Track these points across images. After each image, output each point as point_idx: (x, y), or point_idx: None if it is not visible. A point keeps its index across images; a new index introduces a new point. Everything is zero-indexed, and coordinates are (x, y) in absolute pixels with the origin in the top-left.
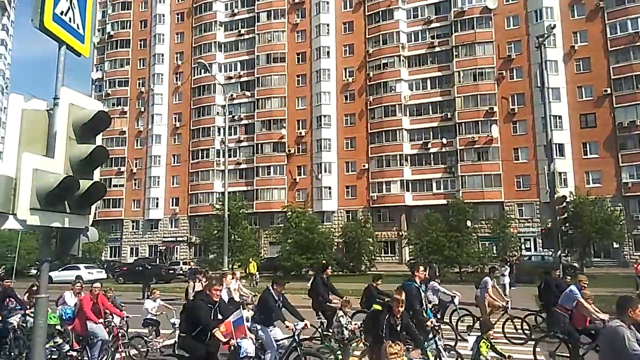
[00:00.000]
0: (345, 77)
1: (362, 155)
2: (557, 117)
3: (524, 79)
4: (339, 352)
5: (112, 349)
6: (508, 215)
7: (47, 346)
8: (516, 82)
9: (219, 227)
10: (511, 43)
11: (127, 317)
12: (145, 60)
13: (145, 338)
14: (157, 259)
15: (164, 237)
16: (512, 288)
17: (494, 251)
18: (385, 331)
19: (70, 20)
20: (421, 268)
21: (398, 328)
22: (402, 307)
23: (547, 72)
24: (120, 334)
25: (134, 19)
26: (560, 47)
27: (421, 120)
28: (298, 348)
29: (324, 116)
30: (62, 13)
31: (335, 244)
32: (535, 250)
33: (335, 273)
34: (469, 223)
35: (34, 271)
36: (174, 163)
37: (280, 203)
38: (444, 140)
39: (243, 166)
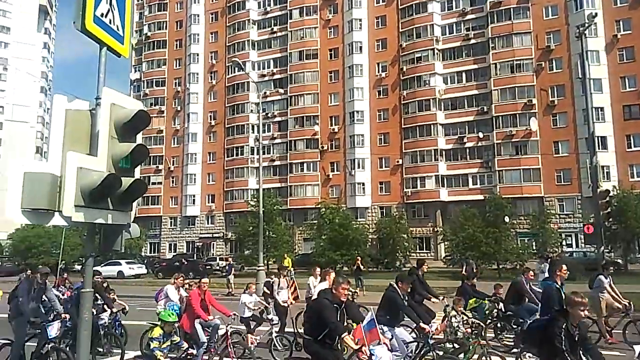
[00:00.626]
0: (378, 72)
1: (396, 150)
2: (599, 109)
3: (563, 70)
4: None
5: (222, 348)
6: (548, 211)
7: (164, 345)
8: (556, 73)
9: (253, 224)
10: (550, 33)
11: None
12: (181, 60)
13: (244, 335)
14: (195, 255)
15: (200, 233)
16: None
17: (534, 247)
18: (565, 343)
19: (110, 22)
20: (564, 267)
21: (576, 339)
22: (584, 311)
23: (588, 63)
24: (229, 332)
25: (169, 19)
26: (602, 36)
27: (456, 114)
28: (432, 351)
29: (357, 112)
30: (102, 15)
31: (370, 240)
32: (577, 246)
33: (370, 269)
34: (507, 219)
35: (77, 267)
36: (209, 161)
37: (314, 199)
38: (481, 135)
39: (277, 163)
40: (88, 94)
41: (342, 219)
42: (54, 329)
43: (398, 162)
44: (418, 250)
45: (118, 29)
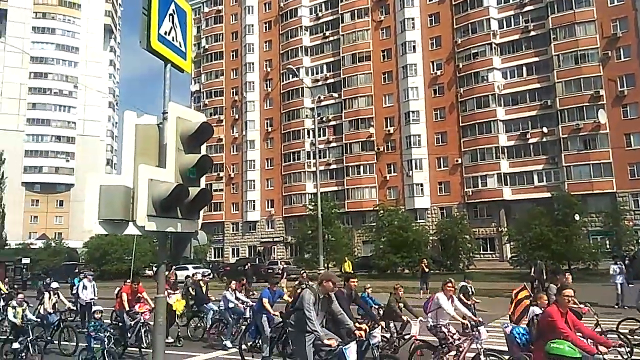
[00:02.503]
0: (433, 70)
1: (454, 149)
2: None
3: (632, 59)
4: None
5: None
6: (622, 207)
7: None
8: (624, 62)
9: (312, 227)
10: (616, 21)
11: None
12: (238, 69)
13: None
14: (257, 259)
15: (261, 238)
16: (630, 285)
17: (607, 246)
18: None
19: (173, 39)
20: None
21: None
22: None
23: None
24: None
25: (225, 31)
26: None
27: (518, 110)
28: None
29: (413, 112)
30: (165, 33)
31: (430, 242)
32: None
33: (432, 272)
34: (577, 217)
35: (148, 272)
36: (267, 167)
37: (372, 202)
38: (545, 130)
39: (333, 166)
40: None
41: (401, 221)
42: None
43: (457, 161)
44: (482, 252)
45: (180, 46)
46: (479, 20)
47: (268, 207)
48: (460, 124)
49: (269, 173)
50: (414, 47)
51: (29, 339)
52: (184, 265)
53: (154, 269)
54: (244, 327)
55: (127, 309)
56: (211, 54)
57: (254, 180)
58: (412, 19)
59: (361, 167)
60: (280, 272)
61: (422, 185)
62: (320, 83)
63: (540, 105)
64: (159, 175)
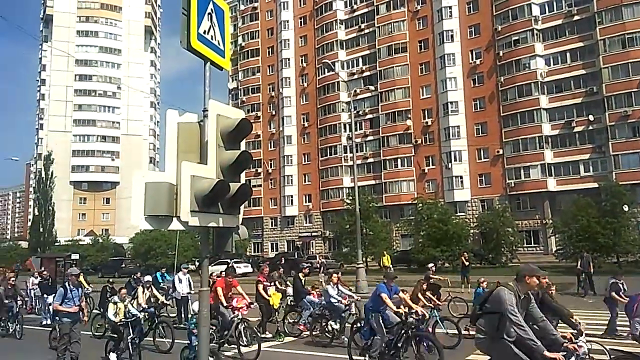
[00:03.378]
0: (472, 59)
1: (495, 140)
2: None
3: None
4: None
5: None
6: None
7: None
8: None
9: (350, 222)
10: None
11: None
12: (274, 66)
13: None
14: (295, 254)
15: (299, 233)
16: None
17: None
18: None
19: (212, 38)
20: None
21: None
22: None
23: None
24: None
25: (261, 28)
26: None
27: (562, 98)
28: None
29: (451, 103)
30: (204, 32)
31: (471, 235)
32: None
33: (473, 265)
34: (625, 207)
35: (191, 267)
36: (304, 162)
37: (410, 195)
38: (591, 117)
39: (370, 160)
40: (188, 103)
41: (441, 214)
42: None
43: (498, 152)
44: (525, 245)
45: (219, 44)
46: (520, 5)
47: (306, 202)
48: (501, 114)
49: (306, 168)
50: (451, 36)
51: (129, 337)
52: (224, 260)
53: (196, 263)
54: (350, 325)
55: (225, 303)
56: (248, 51)
57: (291, 176)
58: (450, 7)
59: (399, 160)
60: (318, 266)
61: (461, 177)
62: (356, 76)
63: (586, 92)
64: (200, 171)
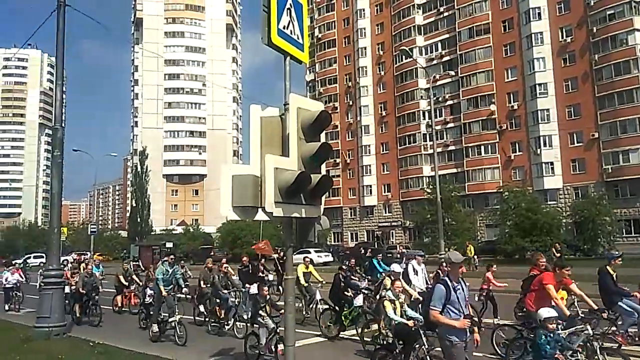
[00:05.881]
0: (562, 37)
1: (590, 123)
2: None
3: None
4: None
5: None
6: None
7: None
8: None
9: (431, 211)
10: None
11: None
12: (350, 56)
13: None
14: (375, 243)
15: (379, 222)
16: None
17: None
18: None
19: (291, 33)
20: None
21: None
22: None
23: None
24: None
25: (337, 18)
26: None
27: None
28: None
29: (539, 85)
30: (284, 27)
31: (563, 224)
32: None
33: (566, 256)
34: None
35: (274, 255)
36: (382, 151)
37: (495, 183)
38: None
39: (451, 148)
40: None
41: (529, 203)
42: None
43: (593, 135)
44: (625, 234)
45: (298, 38)
46: None
47: (385, 192)
48: (596, 95)
49: (384, 157)
50: (539, 14)
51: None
52: (306, 249)
53: (279, 252)
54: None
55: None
56: (324, 43)
57: (369, 165)
58: None
59: (482, 147)
60: (398, 256)
61: (552, 163)
62: (435, 62)
63: None
64: (283, 163)
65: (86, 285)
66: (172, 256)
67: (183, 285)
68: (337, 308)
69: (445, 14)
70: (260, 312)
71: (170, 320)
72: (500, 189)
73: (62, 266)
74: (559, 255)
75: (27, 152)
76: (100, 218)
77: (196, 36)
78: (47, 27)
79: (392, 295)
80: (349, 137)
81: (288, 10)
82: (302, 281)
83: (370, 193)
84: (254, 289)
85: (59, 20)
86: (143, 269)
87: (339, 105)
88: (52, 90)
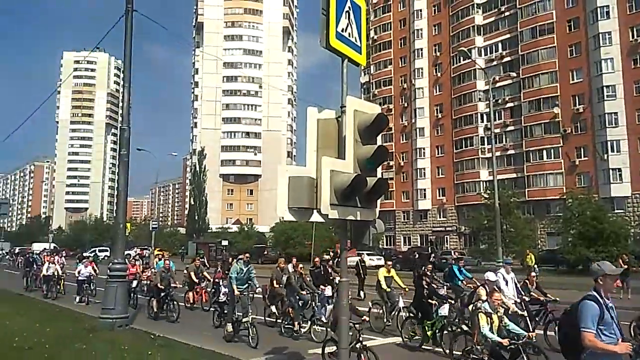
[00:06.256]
0: (633, 37)
1: None
2: None
3: None
4: None
5: None
6: None
7: None
8: None
9: (489, 217)
10: None
11: None
12: (406, 57)
13: None
14: (429, 248)
15: (433, 227)
16: None
17: None
18: None
19: (349, 35)
20: None
21: None
22: None
23: None
24: None
25: (393, 19)
26: None
27: None
28: None
29: (607, 87)
30: (342, 30)
31: (631, 234)
32: None
33: (634, 268)
34: None
35: (326, 256)
36: (438, 154)
37: (557, 190)
38: None
39: (511, 152)
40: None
41: (595, 211)
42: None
43: None
44: None
45: (356, 41)
46: None
47: (439, 196)
48: None
49: (439, 161)
50: (607, 12)
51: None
52: (358, 251)
53: (331, 253)
54: None
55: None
56: (380, 44)
57: (424, 169)
58: None
59: (544, 151)
60: (452, 262)
61: (620, 170)
62: (494, 63)
63: None
64: (339, 166)
65: (164, 281)
66: (247, 254)
67: (257, 285)
68: (420, 317)
69: (507, 13)
70: None
71: (244, 320)
72: (563, 195)
73: (128, 260)
74: (626, 267)
75: (95, 150)
76: (161, 215)
77: (254, 39)
78: (113, 30)
79: (489, 308)
80: (403, 140)
81: (347, 13)
82: (384, 286)
83: (424, 197)
84: (328, 291)
85: (127, 25)
86: (208, 266)
87: (394, 107)
88: (118, 91)
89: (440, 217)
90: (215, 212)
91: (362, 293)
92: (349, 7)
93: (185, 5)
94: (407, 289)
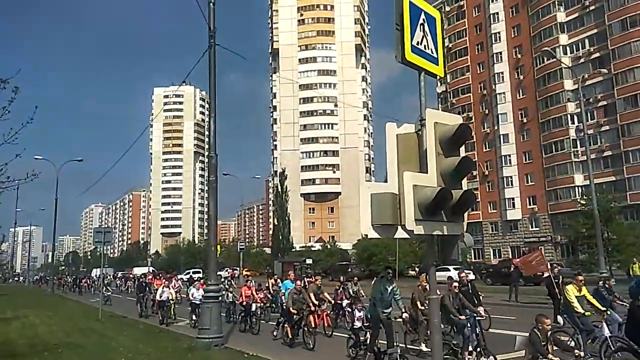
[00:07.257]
0: None
1: None
2: None
3: None
4: None
5: None
6: None
7: None
8: None
9: (587, 225)
10: None
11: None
12: (484, 62)
13: None
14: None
15: (524, 238)
16: None
17: None
18: None
19: (425, 48)
20: None
21: None
22: None
23: None
24: None
25: (468, 25)
26: None
27: None
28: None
29: None
30: (418, 43)
31: None
32: None
33: None
34: None
35: (411, 272)
36: (525, 161)
37: None
38: None
39: (607, 153)
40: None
41: None
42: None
43: None
44: None
45: (432, 52)
46: None
47: (530, 204)
48: None
49: (527, 167)
50: None
51: None
52: (445, 267)
53: (416, 269)
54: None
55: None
56: (455, 52)
57: (511, 177)
58: None
59: None
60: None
61: None
62: (582, 60)
63: None
64: (422, 180)
65: (296, 304)
66: (389, 270)
67: (402, 308)
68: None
69: (591, 7)
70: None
71: (389, 351)
72: None
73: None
74: None
75: (185, 177)
76: (247, 236)
77: (327, 59)
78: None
79: None
80: (486, 148)
81: (421, 26)
82: (578, 307)
83: (513, 206)
84: (482, 312)
85: (210, 59)
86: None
87: (474, 115)
88: (204, 121)
89: (532, 227)
90: (299, 231)
91: (559, 318)
92: (424, 20)
93: (261, 35)
94: (605, 314)
